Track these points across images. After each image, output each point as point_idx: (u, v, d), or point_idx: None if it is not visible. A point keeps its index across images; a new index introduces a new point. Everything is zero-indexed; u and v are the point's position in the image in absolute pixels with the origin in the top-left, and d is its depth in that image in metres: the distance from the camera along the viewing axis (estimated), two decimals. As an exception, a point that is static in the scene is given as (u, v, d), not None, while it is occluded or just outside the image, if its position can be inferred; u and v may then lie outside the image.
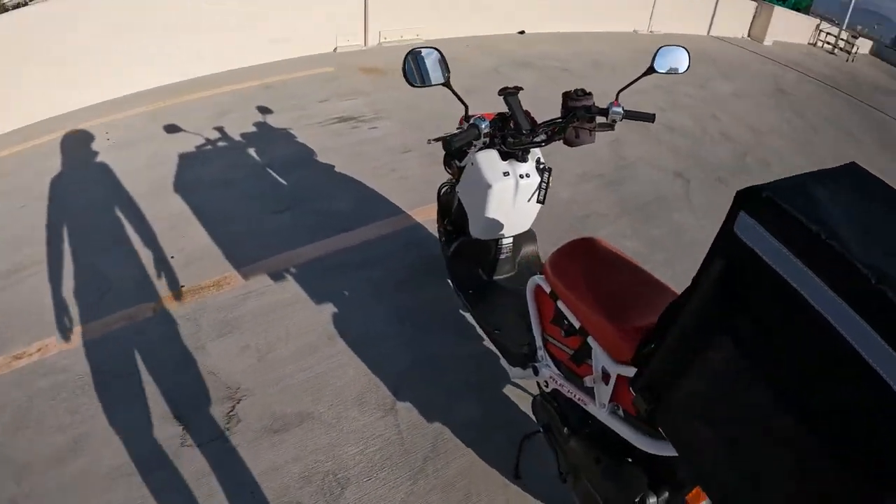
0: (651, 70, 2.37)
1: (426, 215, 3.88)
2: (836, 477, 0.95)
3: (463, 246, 2.80)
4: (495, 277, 2.82)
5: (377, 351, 2.89)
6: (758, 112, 7.32)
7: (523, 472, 2.43)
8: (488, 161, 2.39)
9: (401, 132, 4.98)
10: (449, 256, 2.86)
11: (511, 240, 2.73)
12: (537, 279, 2.05)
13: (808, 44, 15.01)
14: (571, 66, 7.32)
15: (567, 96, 2.36)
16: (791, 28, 14.24)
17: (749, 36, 13.25)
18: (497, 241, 2.71)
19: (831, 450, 0.95)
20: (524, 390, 2.77)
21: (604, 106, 2.34)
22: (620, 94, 2.34)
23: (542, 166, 2.43)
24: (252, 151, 4.44)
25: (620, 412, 1.69)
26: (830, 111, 8.27)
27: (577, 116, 2.28)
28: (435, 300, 3.24)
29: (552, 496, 2.35)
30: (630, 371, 1.52)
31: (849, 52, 14.44)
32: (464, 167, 2.58)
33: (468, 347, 2.99)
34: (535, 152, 2.45)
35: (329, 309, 3.11)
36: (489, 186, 2.35)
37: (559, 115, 2.36)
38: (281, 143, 4.61)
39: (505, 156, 2.41)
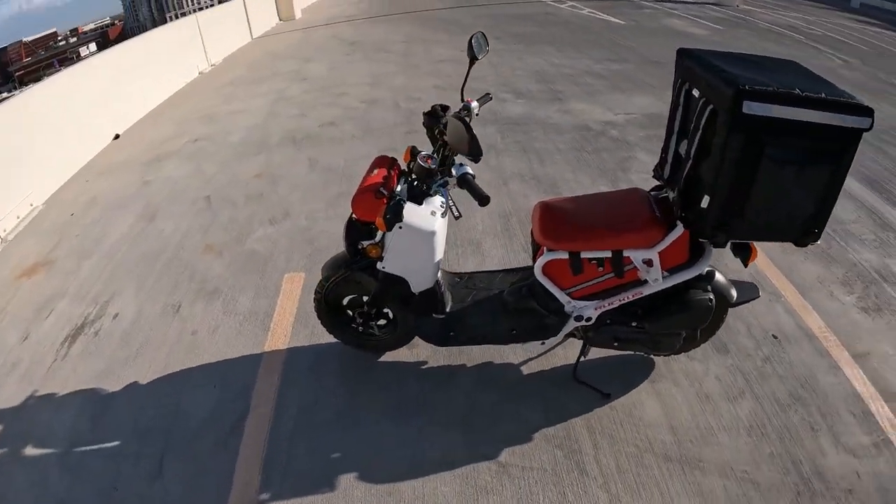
0: (474, 59, 3.01)
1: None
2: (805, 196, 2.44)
3: (417, 310, 3.16)
4: (453, 307, 3.24)
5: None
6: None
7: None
8: (415, 214, 2.76)
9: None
10: (413, 331, 3.29)
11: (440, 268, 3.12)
12: (541, 261, 2.93)
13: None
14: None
15: (433, 115, 2.90)
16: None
17: (281, 19, 15.94)
18: (436, 275, 3.08)
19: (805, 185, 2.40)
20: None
21: (460, 108, 3.01)
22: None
23: (438, 183, 2.84)
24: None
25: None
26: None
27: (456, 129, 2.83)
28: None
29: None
30: (659, 249, 2.79)
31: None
32: (381, 242, 2.87)
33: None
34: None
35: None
36: (433, 233, 2.76)
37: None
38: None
39: (419, 199, 2.81)
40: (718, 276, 3.08)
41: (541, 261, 2.93)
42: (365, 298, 3.20)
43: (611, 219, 2.88)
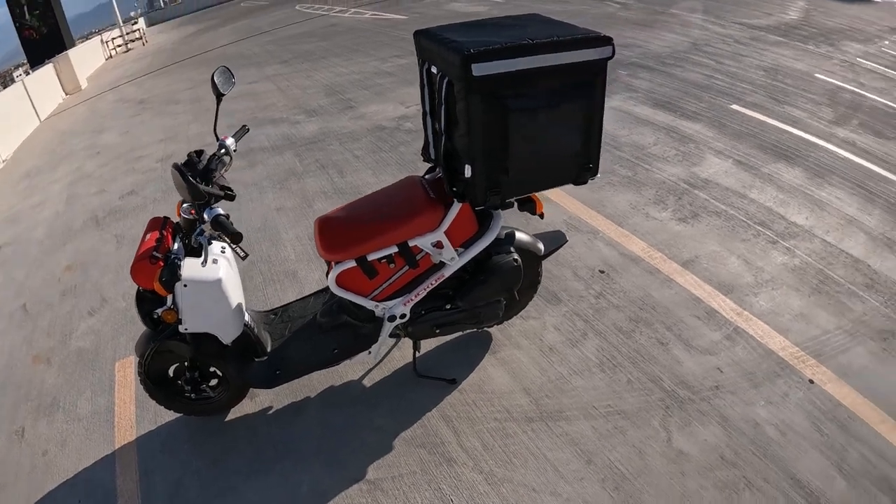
0: (220, 96, 2.96)
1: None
2: (568, 136, 2.56)
3: (236, 360, 3.06)
4: (274, 345, 3.19)
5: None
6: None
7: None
8: (195, 268, 2.68)
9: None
10: (246, 384, 3.18)
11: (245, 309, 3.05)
12: (332, 276, 2.90)
13: (110, 57, 20.82)
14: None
15: (189, 165, 2.77)
16: (87, 60, 18.19)
17: (67, 93, 15.63)
18: (243, 319, 3.00)
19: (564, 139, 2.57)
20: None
21: (215, 150, 2.92)
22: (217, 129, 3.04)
23: (196, 233, 2.75)
24: None
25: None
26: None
27: (218, 171, 2.80)
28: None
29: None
30: (443, 229, 2.80)
31: (141, 37, 20.72)
32: (174, 304, 2.75)
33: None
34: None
35: None
36: (219, 281, 2.71)
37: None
38: None
39: (198, 251, 2.72)
40: (520, 235, 3.19)
41: (332, 275, 2.91)
42: (185, 364, 3.10)
43: (388, 213, 2.91)
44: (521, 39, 2.35)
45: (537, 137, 2.51)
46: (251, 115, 8.76)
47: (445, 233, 2.82)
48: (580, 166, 2.68)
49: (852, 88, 8.33)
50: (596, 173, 2.73)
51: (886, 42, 11.94)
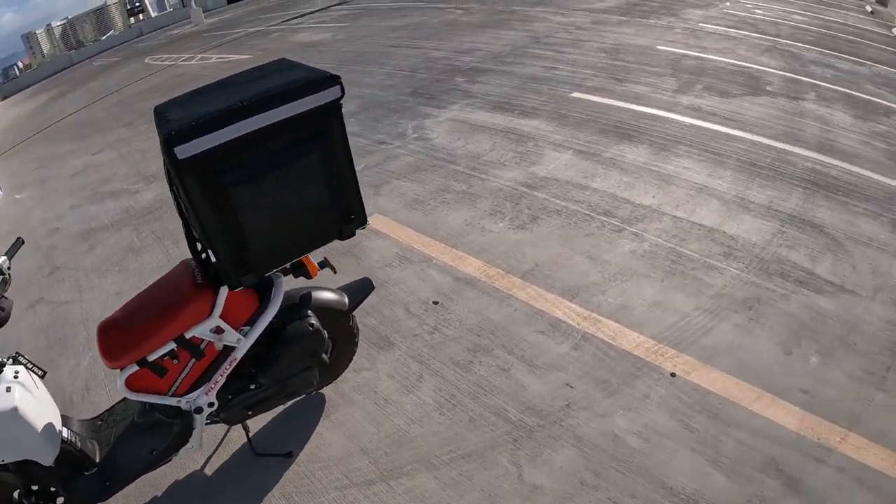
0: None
1: None
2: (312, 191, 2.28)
3: (64, 479, 2.84)
4: (101, 454, 2.97)
5: None
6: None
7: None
8: None
9: None
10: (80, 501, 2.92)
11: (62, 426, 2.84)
12: (120, 383, 2.62)
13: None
14: None
15: None
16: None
17: None
18: (60, 437, 2.77)
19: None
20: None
21: None
22: None
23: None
24: None
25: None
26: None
27: None
28: None
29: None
30: (218, 313, 2.50)
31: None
32: None
33: None
34: None
35: None
36: (14, 409, 2.49)
37: None
38: None
39: None
40: (319, 294, 2.95)
41: (119, 382, 2.64)
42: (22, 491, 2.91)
43: (160, 308, 2.63)
44: (229, 105, 2.06)
45: (272, 205, 2.26)
46: (93, 190, 8.23)
47: (222, 316, 2.55)
48: (340, 220, 2.46)
49: (695, 54, 8.51)
50: (363, 222, 2.53)
51: (728, 3, 12.37)
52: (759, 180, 4.81)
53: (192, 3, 34.38)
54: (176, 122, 2.07)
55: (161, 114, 2.27)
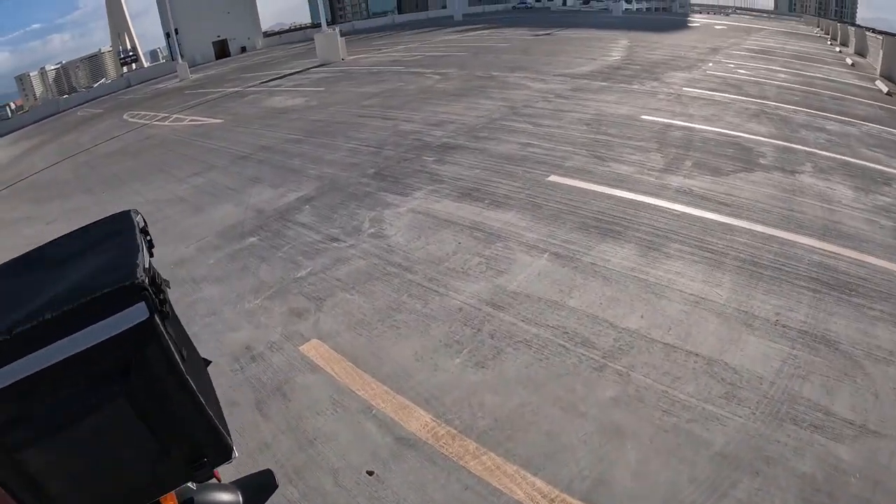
0: None
1: None
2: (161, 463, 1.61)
3: None
4: None
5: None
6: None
7: None
8: None
9: None
10: None
11: None
12: None
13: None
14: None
15: None
16: None
17: None
18: None
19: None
20: None
21: None
22: None
23: None
24: None
25: None
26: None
27: None
28: None
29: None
30: None
31: None
32: None
33: None
34: None
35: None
36: None
37: None
38: None
39: None
40: (204, 497, 2.20)
41: None
42: None
43: None
44: None
45: (79, 466, 1.55)
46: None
47: None
48: (187, 465, 1.70)
49: (682, 123, 7.96)
50: (225, 458, 1.75)
51: (710, 64, 11.97)
52: (763, 285, 4.12)
53: (179, 58, 34.59)
54: None
55: None
